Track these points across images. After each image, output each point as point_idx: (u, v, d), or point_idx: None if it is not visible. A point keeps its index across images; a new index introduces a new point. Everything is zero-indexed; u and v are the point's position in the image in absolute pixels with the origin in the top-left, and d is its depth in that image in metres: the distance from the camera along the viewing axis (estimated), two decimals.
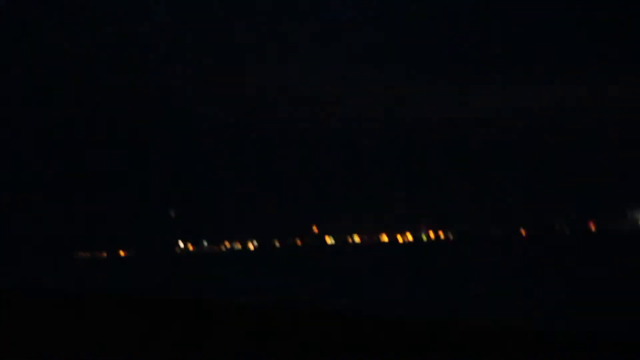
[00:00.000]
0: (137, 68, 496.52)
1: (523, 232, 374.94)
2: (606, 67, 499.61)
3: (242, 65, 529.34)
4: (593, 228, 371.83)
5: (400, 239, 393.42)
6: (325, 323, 27.42)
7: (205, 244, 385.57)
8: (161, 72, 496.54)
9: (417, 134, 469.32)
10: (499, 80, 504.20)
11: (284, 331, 24.72)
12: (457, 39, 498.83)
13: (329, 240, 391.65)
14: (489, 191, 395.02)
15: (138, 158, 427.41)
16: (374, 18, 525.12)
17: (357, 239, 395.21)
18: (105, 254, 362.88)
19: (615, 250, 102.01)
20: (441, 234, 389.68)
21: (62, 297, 47.56)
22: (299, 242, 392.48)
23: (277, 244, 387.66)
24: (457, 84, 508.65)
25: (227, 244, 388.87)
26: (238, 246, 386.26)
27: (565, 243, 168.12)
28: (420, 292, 46.64)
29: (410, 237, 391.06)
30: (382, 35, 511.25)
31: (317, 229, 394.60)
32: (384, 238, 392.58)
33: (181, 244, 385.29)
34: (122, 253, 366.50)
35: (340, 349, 19.89)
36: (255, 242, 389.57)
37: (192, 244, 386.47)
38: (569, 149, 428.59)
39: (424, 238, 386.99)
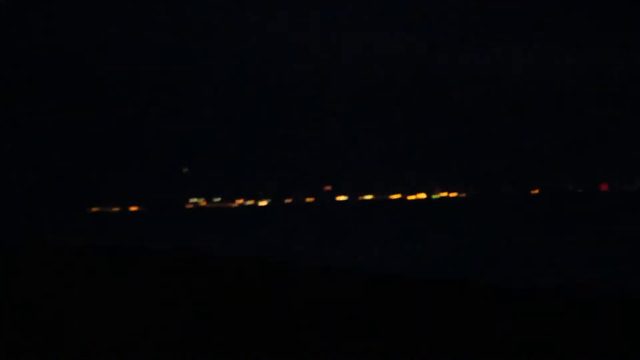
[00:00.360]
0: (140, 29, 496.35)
1: (536, 191, 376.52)
2: (626, 35, 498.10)
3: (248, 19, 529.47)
4: (605, 189, 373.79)
5: (412, 197, 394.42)
6: (329, 280, 27.54)
7: (217, 200, 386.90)
8: (163, 30, 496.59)
9: (429, 94, 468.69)
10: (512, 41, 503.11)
11: (288, 287, 24.85)
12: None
13: (341, 198, 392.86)
14: (503, 152, 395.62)
15: (151, 116, 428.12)
16: None
17: (368, 197, 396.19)
18: (117, 209, 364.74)
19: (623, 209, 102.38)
20: (454, 194, 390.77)
21: (79, 251, 47.85)
22: (309, 200, 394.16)
23: (289, 201, 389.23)
24: (469, 43, 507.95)
25: (240, 200, 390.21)
26: (250, 202, 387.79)
27: (577, 202, 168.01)
28: (428, 249, 46.72)
29: (423, 196, 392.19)
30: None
31: (330, 187, 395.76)
32: (395, 196, 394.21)
33: (193, 200, 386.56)
34: (133, 208, 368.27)
35: (344, 307, 19.96)
36: (266, 199, 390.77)
37: (205, 200, 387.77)
38: (585, 113, 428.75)
39: (435, 196, 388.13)
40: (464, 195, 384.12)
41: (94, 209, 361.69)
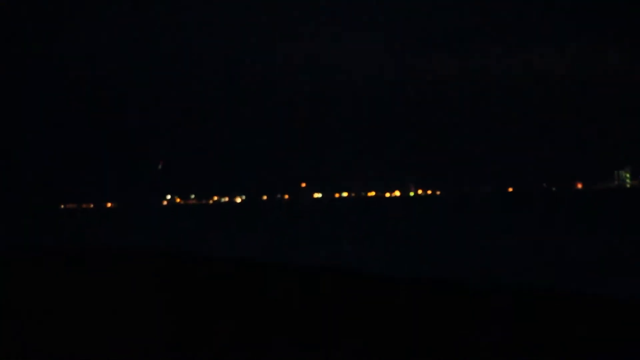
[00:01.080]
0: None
1: (510, 189, 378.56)
2: (600, 37, 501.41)
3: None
4: (580, 187, 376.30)
5: (387, 194, 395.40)
6: (304, 278, 27.50)
7: (193, 197, 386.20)
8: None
9: (407, 95, 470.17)
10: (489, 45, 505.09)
11: (259, 286, 24.83)
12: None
13: (317, 195, 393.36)
14: (481, 152, 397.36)
15: (127, 113, 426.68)
16: None
17: (345, 194, 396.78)
18: (92, 206, 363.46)
19: (599, 206, 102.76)
20: (429, 192, 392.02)
21: (58, 252, 47.55)
22: (285, 197, 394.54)
23: (264, 199, 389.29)
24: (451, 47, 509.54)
25: (215, 197, 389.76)
26: (225, 200, 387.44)
27: (551, 200, 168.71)
28: (401, 248, 46.74)
29: (397, 193, 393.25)
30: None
31: (306, 184, 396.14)
32: (371, 193, 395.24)
33: (168, 197, 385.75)
34: (108, 205, 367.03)
35: (319, 304, 19.93)
36: (242, 197, 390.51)
37: (180, 198, 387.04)
38: (561, 113, 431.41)
39: (411, 194, 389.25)
40: (438, 193, 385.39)
41: (68, 206, 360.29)
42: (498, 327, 15.56)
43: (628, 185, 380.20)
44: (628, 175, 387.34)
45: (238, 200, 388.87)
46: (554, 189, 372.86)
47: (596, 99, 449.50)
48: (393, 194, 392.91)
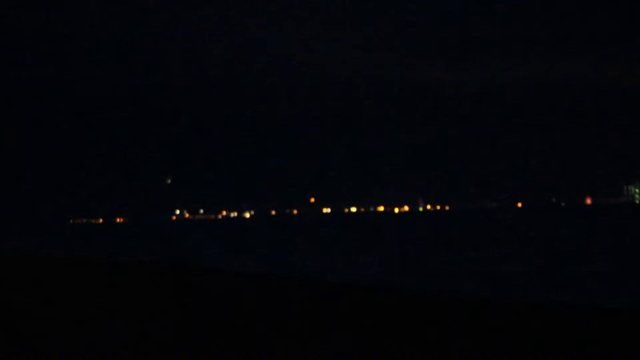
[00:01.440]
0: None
1: (519, 204, 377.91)
2: (606, 50, 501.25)
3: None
4: (589, 202, 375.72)
5: (396, 210, 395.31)
6: (312, 293, 27.49)
7: (202, 211, 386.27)
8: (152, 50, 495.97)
9: (412, 108, 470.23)
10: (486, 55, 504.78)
11: (271, 299, 24.83)
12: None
13: (326, 210, 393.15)
14: (487, 167, 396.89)
15: (137, 127, 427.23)
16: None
17: (353, 209, 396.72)
18: (101, 220, 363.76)
19: (608, 221, 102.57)
20: (438, 207, 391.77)
21: (65, 261, 47.58)
22: (294, 212, 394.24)
23: (273, 213, 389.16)
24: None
25: (224, 212, 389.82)
26: (234, 215, 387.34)
27: (561, 215, 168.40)
28: (407, 262, 46.69)
29: (406, 208, 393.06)
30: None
31: (314, 199, 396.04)
32: (380, 208, 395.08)
33: (177, 212, 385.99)
34: (118, 220, 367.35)
35: (324, 318, 19.91)
36: (251, 211, 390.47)
37: (189, 212, 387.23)
38: (571, 128, 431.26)
39: (420, 209, 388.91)
40: (447, 208, 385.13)
41: (77, 220, 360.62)
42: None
43: (637, 201, 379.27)
44: (637, 190, 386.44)
45: (247, 215, 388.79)
46: (562, 204, 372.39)
47: (607, 113, 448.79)
48: (402, 209, 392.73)
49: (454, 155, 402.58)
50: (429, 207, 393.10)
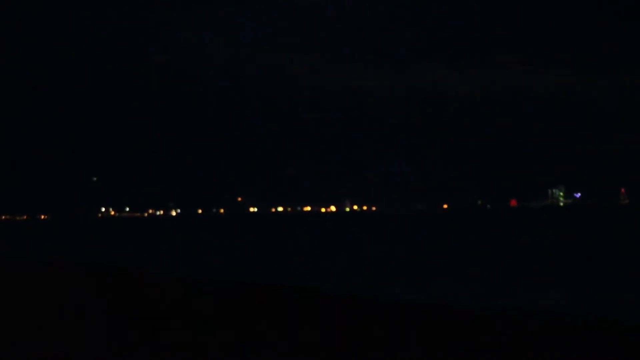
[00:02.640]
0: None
1: (445, 206, 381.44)
2: (540, 60, 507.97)
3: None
4: (514, 204, 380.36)
5: (323, 209, 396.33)
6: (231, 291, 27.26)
7: (127, 209, 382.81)
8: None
9: (365, 112, 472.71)
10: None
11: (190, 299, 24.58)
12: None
13: (252, 209, 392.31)
14: (417, 170, 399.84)
15: (67, 123, 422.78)
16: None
17: (280, 209, 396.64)
18: (25, 217, 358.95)
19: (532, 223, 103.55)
20: (365, 207, 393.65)
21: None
22: (221, 211, 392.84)
23: (199, 212, 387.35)
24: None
25: (150, 210, 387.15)
26: (160, 213, 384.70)
27: (486, 218, 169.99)
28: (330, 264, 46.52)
29: (333, 209, 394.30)
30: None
31: (242, 199, 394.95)
32: (306, 208, 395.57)
33: (103, 209, 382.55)
34: (42, 217, 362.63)
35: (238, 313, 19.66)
36: (177, 210, 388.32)
37: (114, 210, 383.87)
38: (496, 134, 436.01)
39: (347, 210, 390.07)
40: (374, 209, 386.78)
41: (0, 217, 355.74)
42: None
43: (561, 204, 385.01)
44: (561, 193, 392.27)
45: (173, 213, 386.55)
46: (488, 206, 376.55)
47: (531, 120, 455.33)
48: (329, 209, 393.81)
49: (385, 160, 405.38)
50: (355, 207, 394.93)
